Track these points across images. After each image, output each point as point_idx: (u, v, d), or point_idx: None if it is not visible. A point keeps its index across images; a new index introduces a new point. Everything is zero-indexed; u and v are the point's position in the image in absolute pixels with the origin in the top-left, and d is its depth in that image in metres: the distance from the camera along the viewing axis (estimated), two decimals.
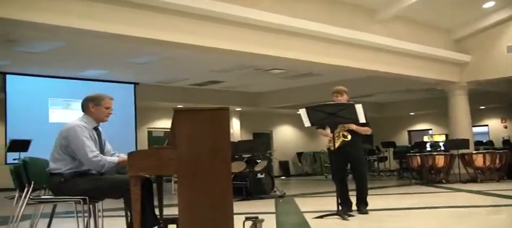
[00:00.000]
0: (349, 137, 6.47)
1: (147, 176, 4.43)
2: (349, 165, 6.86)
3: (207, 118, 3.92)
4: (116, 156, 4.69)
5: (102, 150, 4.64)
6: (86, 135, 4.43)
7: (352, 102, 6.43)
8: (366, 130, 6.64)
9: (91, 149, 4.38)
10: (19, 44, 10.91)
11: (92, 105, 4.62)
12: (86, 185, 4.39)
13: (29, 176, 4.43)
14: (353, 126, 6.44)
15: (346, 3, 11.44)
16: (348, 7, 11.53)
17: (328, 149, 6.67)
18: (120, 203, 4.45)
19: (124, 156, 4.56)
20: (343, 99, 6.67)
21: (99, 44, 10.84)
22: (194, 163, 3.85)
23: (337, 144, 6.44)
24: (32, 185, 4.41)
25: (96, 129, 4.66)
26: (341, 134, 6.49)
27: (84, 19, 7.65)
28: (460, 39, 14.56)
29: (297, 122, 20.98)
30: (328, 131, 6.65)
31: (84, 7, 7.60)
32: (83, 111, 4.67)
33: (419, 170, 13.28)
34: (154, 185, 4.69)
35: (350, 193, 6.74)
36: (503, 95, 18.56)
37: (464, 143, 12.98)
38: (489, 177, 12.61)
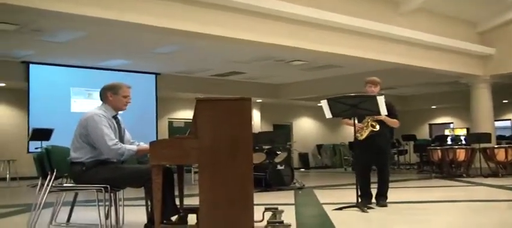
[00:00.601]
0: (378, 127, 6.39)
1: (168, 165, 4.45)
2: (373, 157, 6.78)
3: (229, 108, 3.93)
4: (135, 145, 4.72)
5: (121, 139, 4.67)
6: (105, 124, 4.46)
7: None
8: (394, 122, 6.59)
9: (110, 138, 4.41)
10: (42, 33, 11.02)
11: (110, 94, 4.66)
12: (107, 173, 4.43)
13: (52, 164, 4.49)
14: (382, 117, 6.37)
15: None
16: None
17: (355, 138, 6.60)
18: (140, 192, 4.49)
19: (144, 145, 4.60)
20: (376, 90, 6.62)
21: (121, 34, 10.90)
22: (215, 153, 3.87)
23: (365, 134, 6.40)
24: (54, 173, 4.47)
25: (115, 117, 4.68)
26: (369, 124, 6.43)
27: (106, 9, 7.70)
28: (484, 32, 14.36)
29: (317, 114, 20.92)
30: (354, 120, 6.57)
31: None
32: (102, 100, 4.71)
33: (440, 163, 13.17)
34: (175, 175, 4.72)
35: (371, 186, 6.71)
36: None
37: (486, 137, 12.83)
38: (511, 172, 12.46)
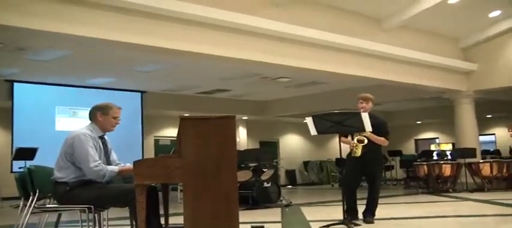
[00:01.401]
0: (366, 140, 6.38)
1: (152, 184, 4.42)
2: (363, 174, 6.76)
3: (213, 127, 3.92)
4: (121, 165, 4.69)
5: (107, 159, 4.64)
6: (90, 144, 4.44)
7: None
8: (380, 140, 6.52)
9: (94, 159, 4.38)
10: (27, 52, 10.96)
11: (99, 114, 4.63)
12: (91, 193, 4.39)
13: (34, 184, 4.44)
14: (367, 134, 6.36)
15: (352, 12, 11.45)
16: (355, 16, 11.54)
17: (349, 154, 6.59)
18: (125, 211, 4.45)
19: (127, 165, 4.57)
20: (368, 106, 6.63)
21: (106, 52, 10.87)
22: (200, 172, 3.85)
23: (359, 151, 6.38)
24: (37, 194, 4.41)
25: (101, 138, 4.66)
26: (356, 140, 6.41)
27: (91, 27, 7.68)
28: (467, 48, 14.52)
29: (303, 130, 20.95)
30: (350, 138, 6.59)
31: (92, 16, 7.64)
32: (91, 119, 4.69)
33: (426, 179, 13.22)
34: (160, 194, 4.69)
35: (358, 202, 6.70)
36: (510, 104, 18.46)
37: (471, 152, 12.92)
38: (496, 187, 12.54)
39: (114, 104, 4.73)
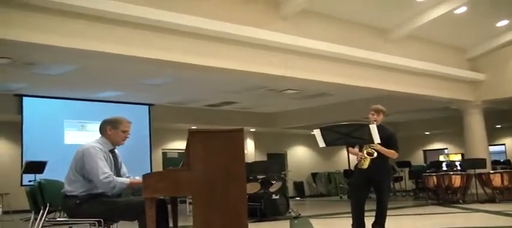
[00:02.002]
0: (375, 154, 6.34)
1: (162, 197, 4.44)
2: (372, 187, 6.72)
3: (222, 139, 3.93)
4: (130, 178, 4.71)
5: (118, 173, 4.66)
6: (101, 156, 4.46)
7: (364, 122, 6.34)
8: (390, 153, 6.43)
9: (103, 171, 4.40)
10: (36, 66, 11.04)
11: (109, 128, 4.66)
12: (101, 207, 4.40)
13: (45, 198, 4.48)
14: (376, 146, 6.31)
15: (358, 23, 11.47)
16: (361, 28, 11.56)
17: (356, 166, 6.55)
18: (135, 225, 4.46)
19: (137, 178, 4.59)
20: (379, 118, 6.59)
21: (114, 66, 10.93)
22: (209, 184, 3.86)
23: (366, 164, 6.33)
24: (47, 207, 4.44)
25: (112, 151, 4.68)
26: (365, 152, 6.35)
27: (99, 42, 7.74)
28: (474, 58, 14.50)
29: (311, 142, 20.92)
30: (357, 149, 6.55)
31: (100, 30, 7.69)
32: (101, 133, 4.71)
33: (436, 190, 13.15)
34: (169, 206, 4.70)
35: (366, 214, 6.66)
36: None
37: (480, 163, 12.84)
38: (508, 197, 12.44)
39: (124, 118, 4.76)
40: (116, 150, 4.75)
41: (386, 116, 6.72)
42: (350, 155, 6.33)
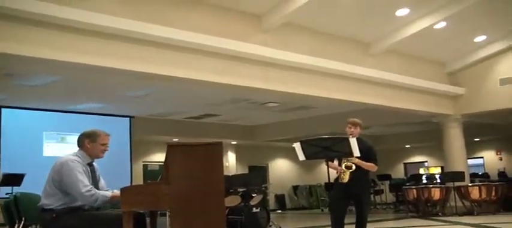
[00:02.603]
0: (354, 167, 6.35)
1: (140, 211, 4.40)
2: (350, 200, 6.72)
3: (201, 153, 3.92)
4: (110, 192, 4.67)
5: (96, 186, 4.62)
6: (79, 169, 4.42)
7: (345, 136, 6.36)
8: (369, 166, 6.45)
9: (84, 184, 4.36)
10: (15, 78, 10.92)
11: (87, 142, 4.63)
12: (78, 221, 4.36)
13: (20, 212, 4.41)
14: (355, 160, 6.34)
15: (340, 37, 11.54)
16: (342, 41, 11.63)
17: (336, 180, 6.55)
18: None
19: (117, 192, 4.55)
20: (357, 131, 6.61)
21: (94, 78, 10.85)
22: (187, 198, 3.84)
23: (346, 177, 6.32)
24: (22, 222, 4.38)
25: (90, 164, 4.65)
26: (344, 166, 6.36)
27: (80, 54, 7.67)
28: (454, 72, 14.66)
29: (292, 155, 20.80)
30: (336, 163, 6.55)
31: (81, 42, 7.64)
32: (79, 146, 4.67)
33: (416, 202, 13.23)
34: (149, 219, 4.66)
35: (346, 227, 6.66)
36: (498, 127, 18.61)
37: (459, 176, 12.96)
38: (485, 210, 12.57)
39: (103, 131, 4.73)
40: (94, 163, 4.72)
41: (365, 129, 6.75)
42: (330, 169, 6.34)
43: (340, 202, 6.60)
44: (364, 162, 6.37)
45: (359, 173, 6.36)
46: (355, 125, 6.68)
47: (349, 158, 6.25)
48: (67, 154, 4.62)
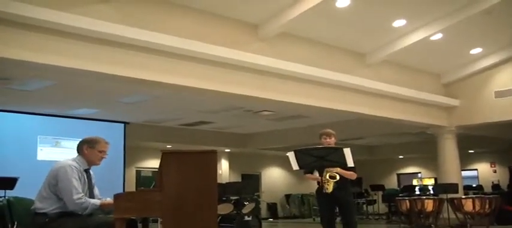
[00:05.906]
0: (338, 177, 6.36)
1: (132, 217, 4.40)
2: (337, 209, 6.76)
3: (195, 161, 3.92)
4: (102, 200, 4.67)
5: (90, 193, 4.65)
6: (75, 176, 4.45)
7: (340, 145, 6.37)
8: (351, 174, 6.48)
9: (77, 191, 4.37)
10: (10, 82, 10.88)
11: (86, 148, 4.68)
12: (71, 225, 4.35)
13: (13, 216, 4.38)
14: (338, 169, 6.34)
15: (336, 47, 11.55)
16: (338, 51, 11.64)
17: (317, 191, 6.58)
18: None
19: (108, 200, 4.56)
20: (332, 141, 6.68)
21: (89, 83, 10.83)
22: (179, 206, 3.83)
23: (331, 187, 6.33)
24: (15, 226, 4.36)
25: (87, 171, 4.66)
26: (328, 176, 6.36)
27: (75, 59, 7.65)
28: (449, 84, 14.69)
29: (285, 164, 20.92)
30: (316, 174, 6.58)
31: (76, 47, 7.61)
32: (78, 152, 4.73)
33: (408, 214, 13.20)
34: (141, 226, 4.65)
35: None
36: (492, 140, 18.65)
37: (453, 187, 12.94)
38: (479, 223, 12.53)
39: (102, 138, 4.80)
40: (90, 170, 4.74)
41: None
42: (310, 180, 6.35)
43: (328, 212, 6.63)
44: (345, 171, 6.39)
45: (342, 182, 6.39)
46: (329, 135, 6.74)
47: (331, 169, 6.27)
48: (66, 159, 4.64)
